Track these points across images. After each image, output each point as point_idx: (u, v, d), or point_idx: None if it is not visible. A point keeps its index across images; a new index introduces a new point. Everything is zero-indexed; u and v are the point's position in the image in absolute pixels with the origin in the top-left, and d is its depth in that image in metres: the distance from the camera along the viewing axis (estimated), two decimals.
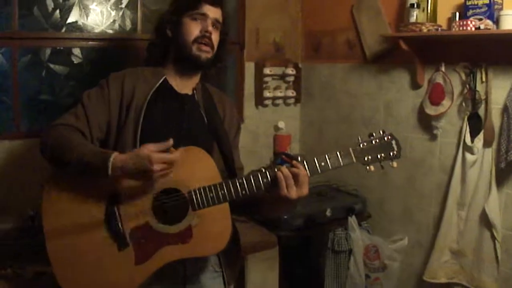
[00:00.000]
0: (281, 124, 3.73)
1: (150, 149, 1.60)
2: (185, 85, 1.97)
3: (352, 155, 1.74)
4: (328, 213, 3.10)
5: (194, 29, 1.89)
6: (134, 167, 1.59)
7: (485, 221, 2.72)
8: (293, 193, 1.68)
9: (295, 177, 1.69)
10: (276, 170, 1.71)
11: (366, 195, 3.34)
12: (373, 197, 3.35)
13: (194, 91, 1.98)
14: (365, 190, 3.35)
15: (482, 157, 2.73)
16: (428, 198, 3.06)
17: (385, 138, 1.78)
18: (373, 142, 1.76)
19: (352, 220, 3.13)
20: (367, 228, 3.26)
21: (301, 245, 3.44)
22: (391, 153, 1.77)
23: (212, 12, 1.91)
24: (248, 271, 2.86)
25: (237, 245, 2.01)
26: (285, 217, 2.93)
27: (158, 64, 1.98)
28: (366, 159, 1.75)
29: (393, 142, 1.78)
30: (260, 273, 2.91)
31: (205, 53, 1.90)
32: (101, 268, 1.71)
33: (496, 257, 2.70)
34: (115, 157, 1.61)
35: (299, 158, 3.69)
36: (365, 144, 1.76)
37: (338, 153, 1.73)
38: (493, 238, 2.70)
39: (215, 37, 1.93)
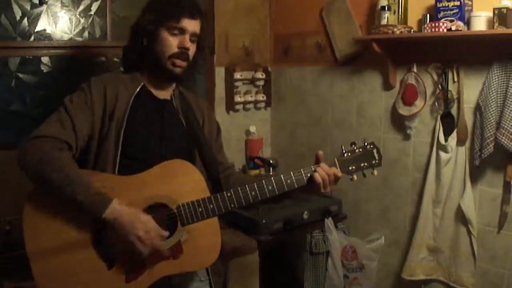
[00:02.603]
0: (252, 129, 3.73)
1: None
2: (163, 90, 1.94)
3: (338, 165, 1.78)
4: (305, 215, 3.11)
5: (171, 45, 1.83)
6: (123, 230, 1.60)
7: (461, 217, 2.79)
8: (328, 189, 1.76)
9: (332, 176, 1.75)
10: (313, 170, 1.74)
11: (341, 197, 3.35)
12: (348, 198, 3.38)
13: (173, 97, 1.96)
14: (340, 191, 3.36)
15: (456, 155, 2.79)
16: (403, 197, 3.12)
17: (367, 147, 1.82)
18: (356, 151, 1.81)
19: (329, 222, 3.15)
20: (344, 229, 3.28)
21: (278, 248, 3.43)
22: (373, 162, 1.82)
23: (191, 26, 1.86)
24: (229, 277, 2.84)
25: (222, 252, 1.99)
26: (264, 221, 2.92)
27: (135, 69, 1.92)
28: (350, 168, 1.79)
29: (375, 150, 1.82)
30: (241, 279, 2.90)
31: (179, 68, 1.86)
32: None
33: (473, 252, 2.77)
34: (112, 210, 1.59)
35: (271, 162, 3.70)
36: (349, 154, 1.80)
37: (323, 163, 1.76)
38: (469, 233, 2.77)
39: (191, 51, 1.89)
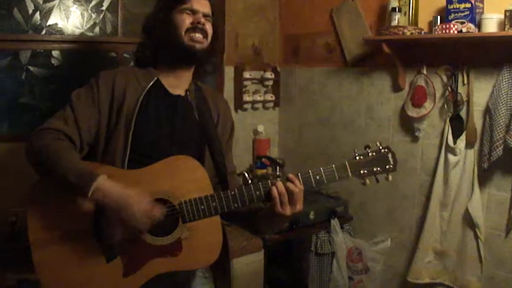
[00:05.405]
0: (260, 128, 3.73)
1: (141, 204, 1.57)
2: (178, 85, 1.90)
3: (348, 168, 1.70)
4: (311, 216, 3.10)
5: (185, 21, 1.82)
6: (115, 206, 1.56)
7: (468, 221, 2.77)
8: (287, 210, 1.66)
9: (290, 194, 1.65)
10: (270, 185, 1.67)
11: (347, 198, 3.35)
12: (355, 200, 3.36)
13: (187, 92, 1.92)
14: (347, 192, 3.36)
15: (464, 158, 2.78)
16: (410, 199, 3.10)
17: (382, 151, 1.74)
18: (369, 155, 1.73)
19: (335, 223, 3.14)
20: (350, 231, 3.27)
21: (284, 248, 3.43)
22: (387, 166, 1.73)
23: (201, 6, 1.85)
24: (233, 275, 2.83)
25: (226, 249, 1.96)
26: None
27: (149, 65, 1.90)
28: (361, 172, 1.72)
29: (389, 155, 1.74)
30: (246, 277, 2.89)
31: (199, 43, 1.83)
32: (88, 279, 1.65)
33: (480, 256, 2.75)
34: (98, 185, 1.55)
35: (278, 161, 3.68)
36: (361, 157, 1.72)
37: (333, 166, 1.69)
38: (476, 237, 2.75)
39: (208, 27, 1.87)
